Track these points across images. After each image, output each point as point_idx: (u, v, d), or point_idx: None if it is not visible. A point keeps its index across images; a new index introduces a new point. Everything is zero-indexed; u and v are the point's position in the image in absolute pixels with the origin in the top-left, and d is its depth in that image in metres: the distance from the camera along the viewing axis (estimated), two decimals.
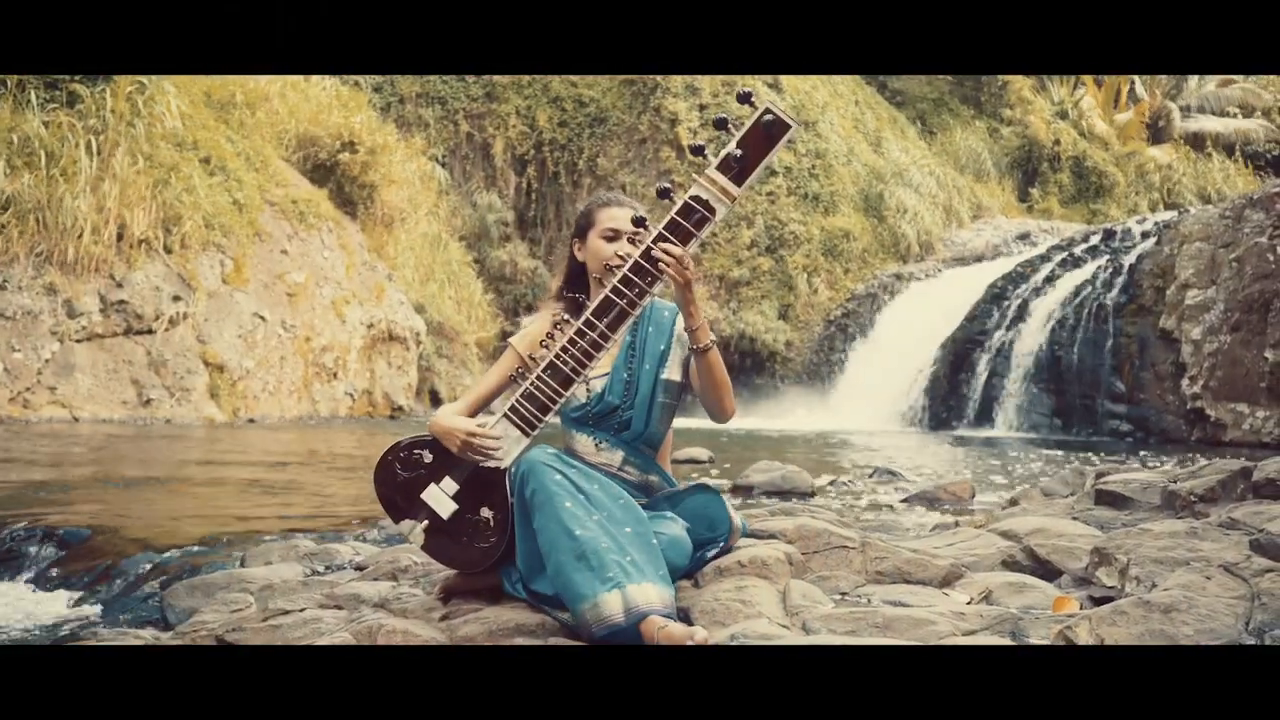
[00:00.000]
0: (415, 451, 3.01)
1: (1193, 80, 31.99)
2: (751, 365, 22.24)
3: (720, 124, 2.76)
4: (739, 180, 2.75)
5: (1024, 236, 23.21)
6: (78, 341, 12.93)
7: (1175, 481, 3.78)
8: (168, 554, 4.30)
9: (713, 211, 2.76)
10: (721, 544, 3.08)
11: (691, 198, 2.77)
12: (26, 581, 4.29)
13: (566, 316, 2.94)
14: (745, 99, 2.72)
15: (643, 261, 2.80)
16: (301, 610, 3.15)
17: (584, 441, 3.13)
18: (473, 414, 3.07)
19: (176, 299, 13.76)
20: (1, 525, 4.78)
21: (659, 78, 23.91)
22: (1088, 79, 30.82)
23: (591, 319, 2.85)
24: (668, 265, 2.74)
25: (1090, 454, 11.21)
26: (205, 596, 3.60)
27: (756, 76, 23.13)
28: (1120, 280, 16.25)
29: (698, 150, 2.78)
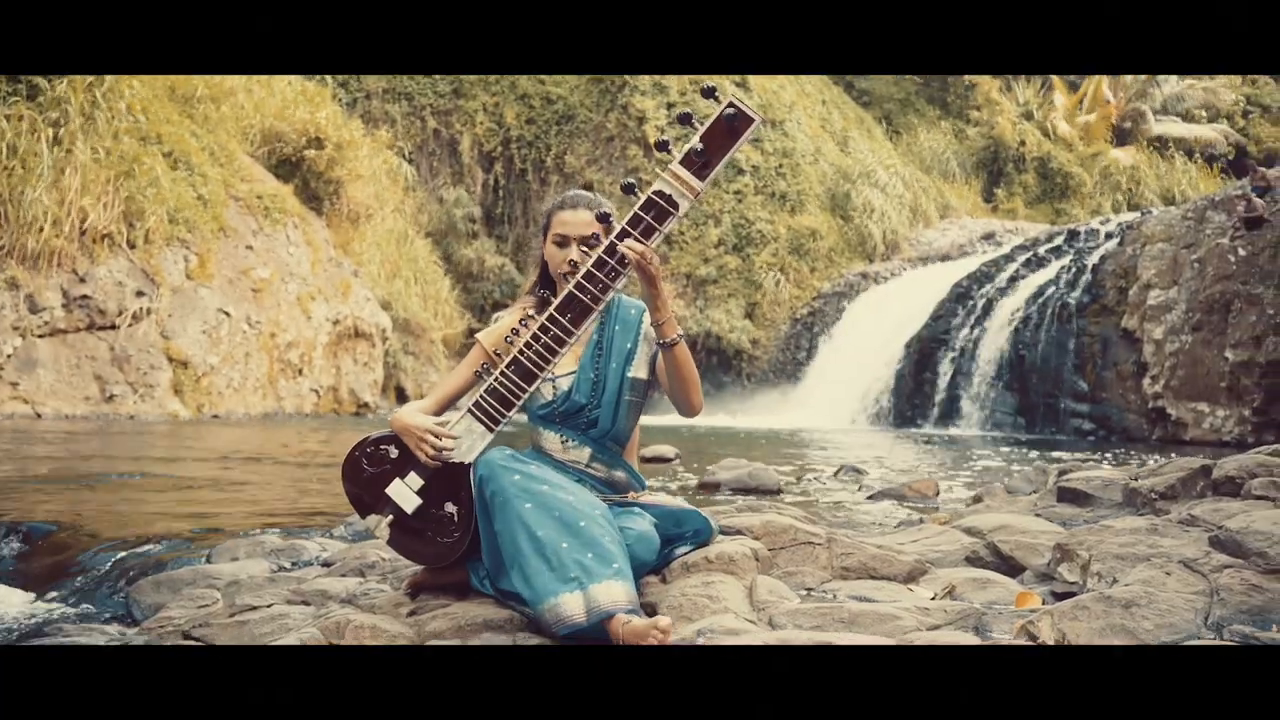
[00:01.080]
0: (381, 447, 3.00)
1: (1161, 83, 32.27)
2: (718, 363, 22.28)
3: (685, 119, 2.77)
4: (702, 175, 2.76)
5: (989, 236, 23.36)
6: (40, 337, 12.82)
7: (1136, 479, 3.82)
8: (132, 550, 4.27)
9: (676, 206, 2.77)
10: (691, 543, 3.09)
11: (655, 193, 2.77)
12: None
13: (532, 313, 2.94)
14: (709, 94, 2.73)
15: (606, 257, 2.80)
16: (269, 606, 3.14)
17: (551, 439, 3.13)
18: (439, 411, 3.07)
19: (140, 294, 13.65)
20: None
21: (626, 76, 23.91)
22: (1056, 80, 31.04)
23: (555, 315, 2.86)
24: (633, 261, 2.75)
25: (1053, 452, 11.30)
26: (171, 592, 3.58)
27: (726, 76, 23.16)
28: (1083, 280, 16.38)
29: (662, 145, 2.80)
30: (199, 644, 2.91)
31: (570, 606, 2.55)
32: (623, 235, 2.77)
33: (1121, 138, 30.62)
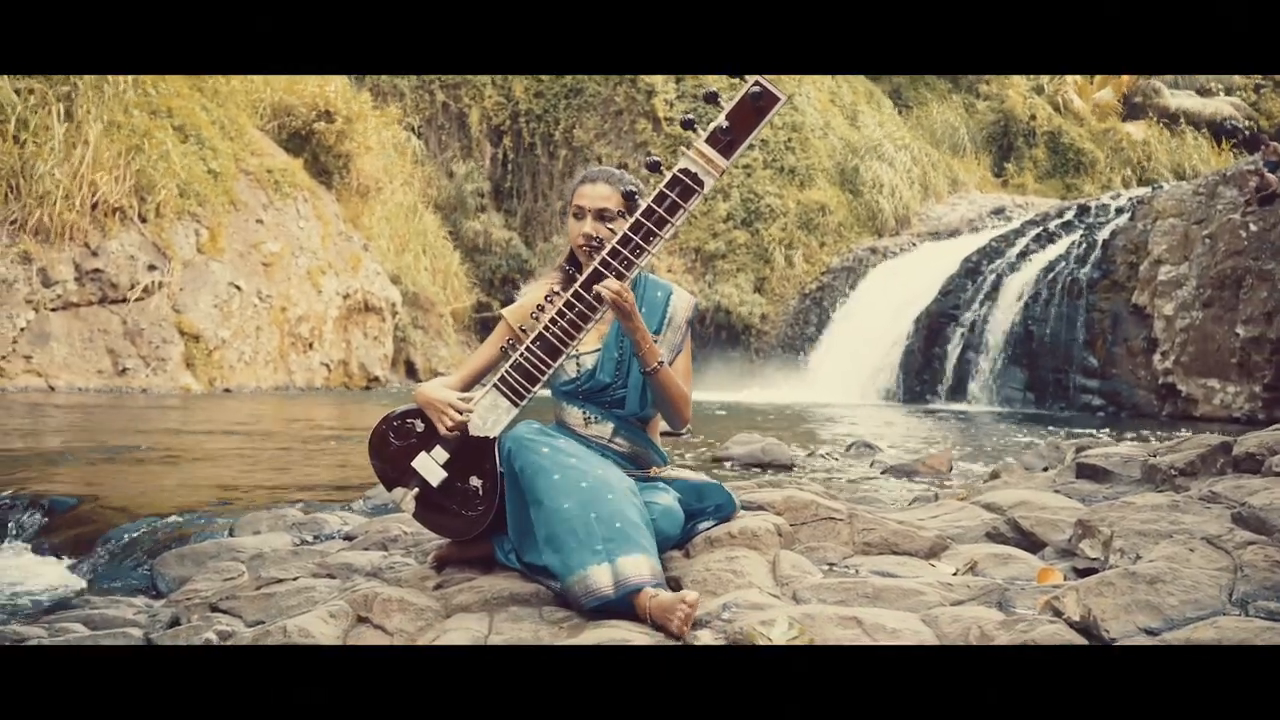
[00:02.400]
0: (408, 421, 3.02)
1: None
2: (727, 338, 22.29)
3: (711, 98, 2.78)
4: (727, 153, 2.77)
5: (999, 211, 23.29)
6: (53, 310, 12.85)
7: (1155, 456, 3.83)
8: (154, 522, 4.31)
9: (700, 184, 2.78)
10: (714, 518, 3.12)
11: (680, 170, 2.78)
12: (14, 550, 4.28)
13: (558, 288, 2.96)
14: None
15: (631, 234, 2.81)
16: (294, 579, 3.16)
17: (574, 414, 3.14)
18: (466, 386, 3.08)
19: (152, 268, 13.67)
20: None
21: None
22: None
23: (580, 291, 2.87)
24: (609, 300, 2.78)
25: (1063, 428, 11.31)
26: (196, 565, 3.61)
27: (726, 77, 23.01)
28: (1094, 256, 16.35)
29: (688, 124, 2.81)
30: (218, 644, 2.94)
31: (598, 578, 2.57)
32: (649, 212, 2.78)
33: (1132, 112, 30.47)
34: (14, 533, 4.41)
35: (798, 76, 25.11)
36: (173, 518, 4.37)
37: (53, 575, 4.00)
